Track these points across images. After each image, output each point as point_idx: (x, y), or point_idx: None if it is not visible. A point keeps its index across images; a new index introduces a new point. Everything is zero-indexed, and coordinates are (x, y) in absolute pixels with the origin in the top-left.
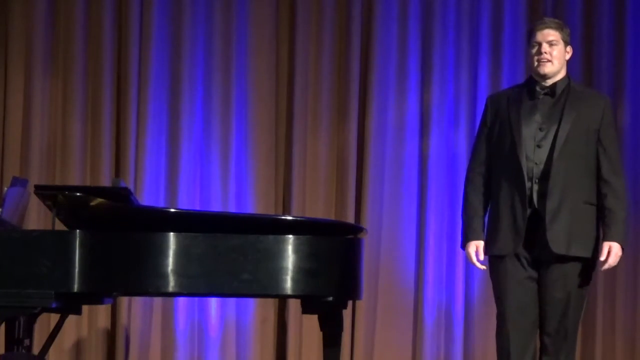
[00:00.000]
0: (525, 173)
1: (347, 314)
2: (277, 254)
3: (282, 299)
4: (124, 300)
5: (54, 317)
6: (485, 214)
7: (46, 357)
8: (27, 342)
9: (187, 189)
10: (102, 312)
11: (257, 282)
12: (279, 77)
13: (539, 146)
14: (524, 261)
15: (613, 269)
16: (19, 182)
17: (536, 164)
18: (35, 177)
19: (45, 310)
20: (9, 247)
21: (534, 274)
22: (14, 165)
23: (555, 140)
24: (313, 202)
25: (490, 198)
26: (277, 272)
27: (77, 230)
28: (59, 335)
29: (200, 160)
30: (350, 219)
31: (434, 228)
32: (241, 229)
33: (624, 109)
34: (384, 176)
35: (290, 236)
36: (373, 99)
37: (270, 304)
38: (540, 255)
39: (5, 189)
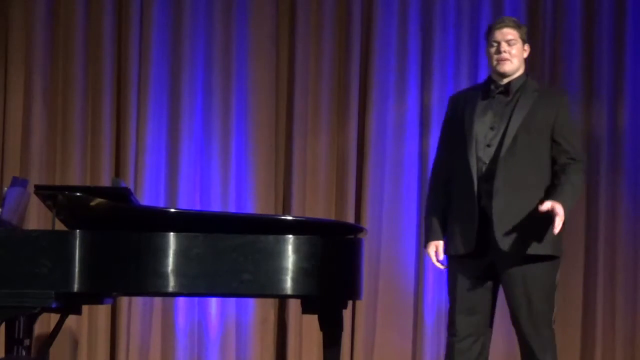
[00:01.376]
0: (474, 173)
1: (347, 314)
2: (277, 254)
3: (282, 299)
4: (124, 300)
5: (54, 317)
6: (445, 214)
7: (46, 357)
8: (27, 342)
9: (187, 189)
10: (102, 312)
11: (257, 282)
12: (279, 78)
13: (488, 145)
14: (479, 261)
15: (613, 269)
16: (19, 182)
17: (485, 163)
18: (35, 177)
19: (45, 310)
20: (9, 247)
21: (490, 274)
22: (14, 165)
23: (504, 139)
24: (313, 202)
25: (450, 197)
26: (277, 272)
27: (77, 230)
28: (59, 335)
29: (201, 160)
30: (350, 219)
31: None
32: (241, 229)
33: (624, 109)
34: (384, 176)
35: (291, 236)
36: (373, 99)
37: (270, 304)
38: (495, 255)
39: (5, 189)
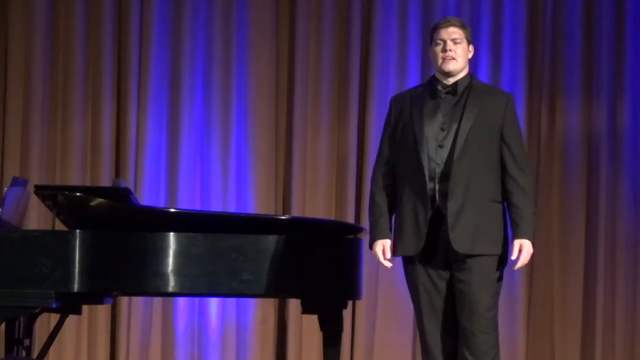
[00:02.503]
0: (426, 173)
1: (347, 314)
2: (277, 254)
3: (282, 299)
4: (124, 300)
5: (54, 317)
6: (391, 214)
7: (46, 357)
8: (27, 342)
9: (187, 189)
10: (102, 312)
11: (257, 282)
12: (279, 77)
13: (440, 146)
14: (433, 262)
15: (613, 268)
16: (19, 182)
17: (438, 164)
18: (35, 177)
19: (45, 310)
20: (9, 247)
21: (445, 273)
22: (14, 165)
23: (456, 140)
24: (313, 202)
25: (395, 199)
26: (277, 272)
27: (77, 230)
28: (59, 335)
29: (201, 160)
30: (350, 219)
31: None
32: (241, 229)
33: (624, 109)
34: None
35: (290, 236)
36: (373, 99)
37: (270, 304)
38: (447, 255)
39: (5, 189)
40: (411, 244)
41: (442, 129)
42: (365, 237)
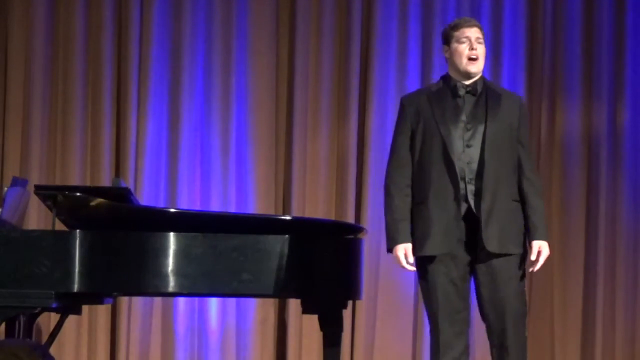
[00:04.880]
0: (458, 173)
1: (347, 314)
2: (277, 254)
3: (282, 299)
4: (124, 300)
5: (54, 317)
6: (410, 217)
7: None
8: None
9: (187, 189)
10: (102, 312)
11: (257, 282)
12: (279, 77)
13: (468, 146)
14: (457, 261)
15: (613, 268)
16: (19, 182)
17: (467, 163)
18: (35, 177)
19: (45, 310)
20: (9, 247)
21: (467, 274)
22: (14, 165)
23: (485, 139)
24: (313, 202)
25: (414, 199)
26: (277, 272)
27: (77, 230)
28: (59, 335)
29: (201, 159)
30: (350, 219)
31: None
32: (241, 229)
33: (624, 109)
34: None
35: (291, 236)
36: (373, 99)
37: (270, 304)
38: (474, 255)
39: (5, 189)
40: (440, 243)
41: (467, 129)
42: (365, 237)
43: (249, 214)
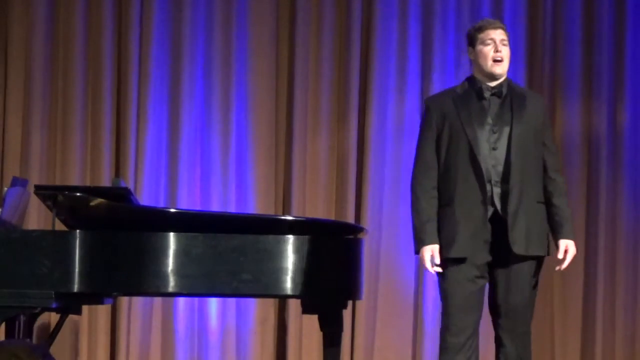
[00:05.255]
0: (485, 175)
1: (347, 314)
2: (277, 254)
3: (282, 299)
4: (124, 300)
5: (54, 317)
6: (436, 218)
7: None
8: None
9: (187, 189)
10: (102, 312)
11: (257, 282)
12: (279, 77)
13: (494, 148)
14: (480, 262)
15: (613, 268)
16: (19, 182)
17: (493, 165)
18: (35, 177)
19: (45, 310)
20: (9, 247)
21: (486, 273)
22: (14, 165)
23: (510, 142)
24: (313, 202)
25: (440, 201)
26: (277, 272)
27: (77, 230)
28: (59, 335)
29: (201, 160)
30: (350, 219)
31: None
32: (241, 229)
33: (624, 109)
34: (384, 176)
35: (290, 236)
36: (373, 99)
37: (270, 304)
38: (498, 256)
39: (5, 189)
40: (468, 246)
41: (492, 132)
42: (365, 237)
43: (249, 214)
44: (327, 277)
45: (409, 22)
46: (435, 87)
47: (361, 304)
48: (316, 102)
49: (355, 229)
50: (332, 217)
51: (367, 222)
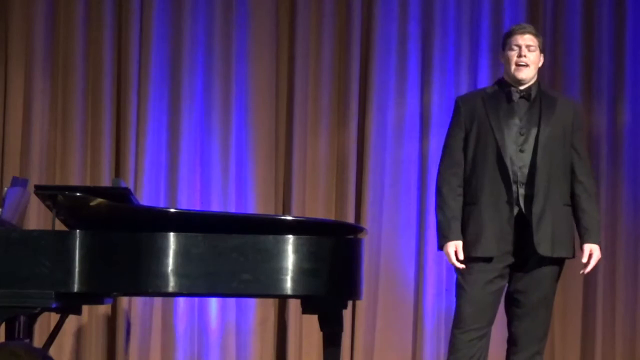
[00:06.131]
0: (511, 177)
1: (347, 314)
2: (278, 254)
3: (282, 299)
4: (124, 300)
5: (54, 317)
6: (461, 216)
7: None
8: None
9: (187, 189)
10: (102, 312)
11: (257, 282)
12: (279, 78)
13: (521, 150)
14: (502, 263)
15: (613, 268)
16: (19, 182)
17: (520, 167)
18: (35, 177)
19: (45, 310)
20: (9, 247)
21: (507, 274)
22: (14, 165)
23: (537, 144)
24: (313, 202)
25: (465, 199)
26: (277, 272)
27: (77, 230)
28: (59, 335)
29: (201, 160)
30: (350, 219)
31: (434, 228)
32: (241, 229)
33: (624, 109)
34: (384, 176)
35: (291, 236)
36: (373, 100)
37: (270, 304)
38: (521, 258)
39: (5, 189)
40: (493, 246)
41: (520, 134)
42: (365, 237)
43: (249, 214)
44: (327, 277)
45: (409, 22)
46: (435, 88)
47: (361, 304)
48: (316, 102)
49: (355, 229)
50: (332, 217)
51: (367, 222)
